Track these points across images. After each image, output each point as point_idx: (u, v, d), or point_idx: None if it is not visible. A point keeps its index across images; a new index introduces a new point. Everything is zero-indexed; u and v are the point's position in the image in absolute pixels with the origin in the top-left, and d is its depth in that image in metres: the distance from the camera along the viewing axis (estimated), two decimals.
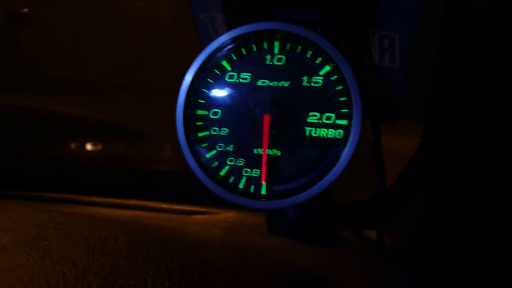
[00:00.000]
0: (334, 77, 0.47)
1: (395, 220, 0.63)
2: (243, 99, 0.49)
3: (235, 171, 0.48)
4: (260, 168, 0.47)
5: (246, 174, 0.48)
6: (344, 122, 0.46)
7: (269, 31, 0.48)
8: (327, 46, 0.46)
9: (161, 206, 0.69)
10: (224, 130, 0.49)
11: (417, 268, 0.56)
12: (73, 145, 0.99)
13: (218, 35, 0.50)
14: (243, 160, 0.48)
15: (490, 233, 0.52)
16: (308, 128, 0.47)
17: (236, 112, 0.49)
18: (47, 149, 0.96)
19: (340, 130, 0.46)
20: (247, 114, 0.48)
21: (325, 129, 0.46)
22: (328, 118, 0.46)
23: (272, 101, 0.47)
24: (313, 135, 0.47)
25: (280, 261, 0.43)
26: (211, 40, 0.49)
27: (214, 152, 0.49)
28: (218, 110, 0.49)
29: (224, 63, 0.49)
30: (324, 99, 0.47)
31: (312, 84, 0.47)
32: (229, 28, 0.51)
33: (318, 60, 0.47)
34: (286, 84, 0.47)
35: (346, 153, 0.45)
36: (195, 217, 0.64)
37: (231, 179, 0.48)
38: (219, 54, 0.49)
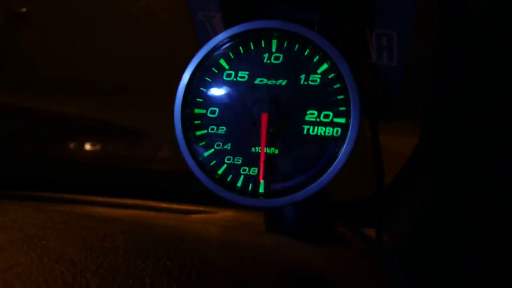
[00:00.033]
0: (332, 75, 0.47)
1: (393, 219, 0.64)
2: (240, 98, 0.49)
3: (233, 169, 0.48)
4: (258, 166, 0.47)
5: (244, 172, 0.48)
6: (341, 120, 0.46)
7: (266, 29, 0.48)
8: (325, 44, 0.46)
9: (159, 205, 0.69)
10: (222, 129, 0.49)
11: (415, 266, 0.56)
12: (72, 145, 0.99)
13: (215, 33, 0.50)
14: (241, 158, 0.48)
15: (487, 232, 0.52)
16: (306, 127, 0.47)
17: (234, 111, 0.49)
18: (46, 149, 0.96)
19: (338, 128, 0.46)
20: (245, 113, 0.48)
21: (322, 127, 0.46)
22: (326, 116, 0.46)
23: (269, 99, 0.47)
24: (311, 133, 0.47)
25: (278, 259, 0.43)
26: (208, 38, 0.49)
27: (212, 150, 0.49)
28: (216, 109, 0.49)
29: (222, 62, 0.49)
30: (321, 97, 0.47)
31: (310, 83, 0.47)
32: (227, 26, 0.51)
33: (316, 58, 0.47)
34: (283, 82, 0.48)
35: (344, 151, 0.45)
36: (193, 216, 0.64)
37: (229, 178, 0.48)
38: (216, 53, 0.49)
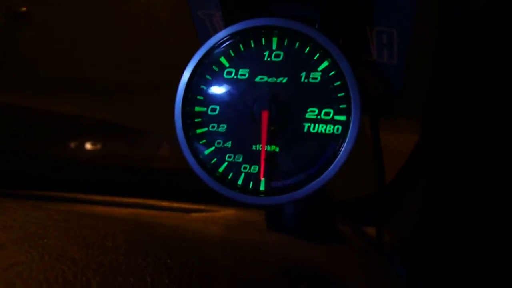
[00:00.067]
0: (332, 72, 0.47)
1: (393, 217, 0.63)
2: (241, 96, 0.49)
3: (234, 167, 0.48)
4: (258, 164, 0.47)
5: (244, 170, 0.48)
6: (342, 117, 0.46)
7: (267, 27, 0.48)
8: (325, 41, 0.46)
9: (160, 204, 0.69)
10: (223, 127, 0.49)
11: (415, 265, 0.56)
12: (72, 144, 0.99)
13: (216, 31, 0.50)
14: (242, 156, 0.48)
15: (489, 231, 0.52)
16: (306, 124, 0.47)
17: (235, 109, 0.49)
18: (46, 148, 0.96)
19: (339, 126, 0.46)
20: (246, 111, 0.48)
21: (323, 125, 0.46)
22: (327, 113, 0.46)
23: (270, 97, 0.47)
24: (312, 131, 0.47)
25: (279, 257, 0.43)
26: (209, 37, 0.49)
27: (212, 148, 0.49)
28: (217, 107, 0.49)
29: (222, 60, 0.49)
30: (322, 95, 0.47)
31: (311, 80, 0.47)
32: (227, 24, 0.51)
33: (316, 56, 0.47)
34: (284, 80, 0.47)
35: (345, 149, 0.45)
36: (194, 214, 0.64)
37: (230, 176, 0.48)
38: (217, 51, 0.49)
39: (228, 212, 0.65)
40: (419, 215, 0.60)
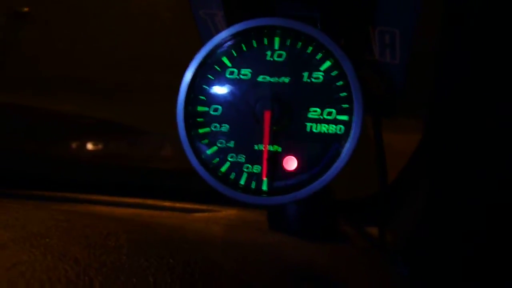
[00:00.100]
0: (335, 72, 0.46)
1: (396, 217, 0.63)
2: (243, 95, 0.48)
3: (236, 167, 0.48)
4: (261, 164, 0.47)
5: (247, 170, 0.48)
6: (345, 117, 0.46)
7: (269, 27, 0.48)
8: (328, 41, 0.46)
9: (162, 204, 0.69)
10: (225, 127, 0.49)
11: (418, 265, 0.56)
12: (73, 144, 0.99)
13: (218, 31, 0.50)
14: (244, 156, 0.48)
15: (491, 231, 0.52)
16: (309, 124, 0.47)
17: (237, 109, 0.49)
18: (47, 148, 0.96)
19: (341, 126, 0.46)
20: (248, 110, 0.48)
21: (326, 125, 0.46)
22: (329, 113, 0.46)
23: (272, 97, 0.47)
24: (314, 131, 0.47)
25: (282, 258, 0.43)
26: (211, 36, 0.49)
27: (215, 148, 0.49)
28: (219, 107, 0.49)
29: (225, 60, 0.49)
30: (324, 95, 0.47)
31: (313, 80, 0.47)
32: (229, 24, 0.51)
33: (319, 56, 0.47)
34: (286, 80, 0.47)
35: (347, 148, 0.45)
36: (196, 214, 0.64)
37: (232, 176, 0.48)
38: (219, 51, 0.49)
39: (230, 212, 0.65)
40: (421, 215, 0.60)
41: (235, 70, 0.49)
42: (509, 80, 0.48)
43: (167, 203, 0.69)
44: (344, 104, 0.46)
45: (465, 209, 0.53)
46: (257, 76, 0.48)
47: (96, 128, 1.03)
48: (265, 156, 0.47)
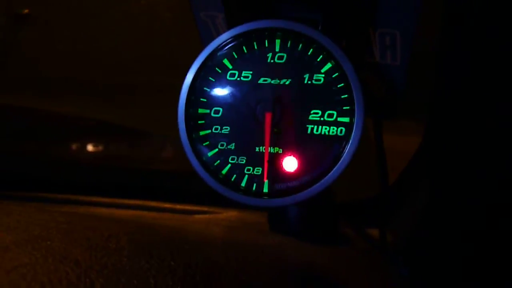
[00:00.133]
0: (336, 74, 0.46)
1: (396, 218, 0.63)
2: (244, 97, 0.48)
3: (237, 169, 0.48)
4: (262, 166, 0.47)
5: (248, 172, 0.48)
6: (346, 119, 0.46)
7: (270, 29, 0.48)
8: (329, 43, 0.46)
9: (163, 205, 0.69)
10: (226, 129, 0.49)
11: (418, 265, 0.56)
12: (74, 146, 0.99)
13: (219, 33, 0.50)
14: (245, 158, 0.48)
15: (491, 231, 0.52)
16: (310, 126, 0.47)
17: (238, 111, 0.49)
18: (47, 150, 0.96)
19: (342, 128, 0.46)
20: (249, 112, 0.48)
21: (326, 127, 0.46)
22: (330, 115, 0.46)
23: (273, 99, 0.47)
24: (315, 132, 0.47)
25: (282, 259, 0.43)
26: (212, 38, 0.49)
27: (216, 150, 0.49)
28: (220, 109, 0.49)
29: (226, 62, 0.49)
30: (325, 97, 0.47)
31: (314, 82, 0.47)
32: (230, 26, 0.51)
33: (320, 58, 0.47)
34: (287, 82, 0.47)
35: (348, 150, 0.45)
36: (197, 216, 0.64)
37: (233, 178, 0.48)
38: (220, 53, 0.49)
39: (231, 214, 0.65)
40: (422, 216, 0.60)
41: (236, 72, 0.49)
42: (509, 80, 0.48)
43: (168, 205, 0.69)
44: (345, 106, 0.46)
45: (465, 209, 0.53)
46: (258, 78, 0.48)
47: (97, 130, 1.03)
48: (266, 158, 0.47)
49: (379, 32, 0.52)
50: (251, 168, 0.48)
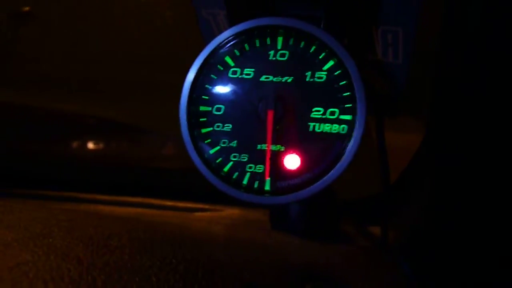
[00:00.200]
0: (338, 72, 0.46)
1: (398, 216, 0.63)
2: (246, 95, 0.48)
3: (239, 167, 0.48)
4: (264, 164, 0.47)
5: (250, 170, 0.48)
6: (348, 117, 0.46)
7: (272, 26, 0.48)
8: (331, 41, 0.46)
9: (164, 203, 0.69)
10: (228, 126, 0.49)
11: (420, 264, 0.56)
12: (75, 143, 0.99)
13: (220, 31, 0.50)
14: (247, 156, 0.48)
15: (494, 229, 0.52)
16: (312, 124, 0.47)
17: (240, 108, 0.49)
18: (48, 147, 0.96)
19: (344, 125, 0.46)
20: (251, 110, 0.48)
21: (329, 124, 0.46)
22: (332, 113, 0.46)
23: (275, 96, 0.47)
24: (317, 130, 0.47)
25: (284, 257, 0.43)
26: (213, 36, 0.49)
27: (217, 148, 0.49)
28: (222, 106, 0.49)
29: (227, 59, 0.49)
30: (327, 94, 0.46)
31: (316, 79, 0.47)
32: (232, 24, 0.51)
33: (322, 55, 0.47)
34: (289, 79, 0.47)
35: (350, 148, 0.45)
36: (198, 214, 0.64)
37: (235, 175, 0.48)
38: (222, 50, 0.49)
39: (232, 212, 0.65)
40: (424, 214, 0.60)
41: (238, 70, 0.49)
42: (509, 79, 0.48)
43: (169, 203, 0.69)
44: (347, 103, 0.46)
45: (468, 208, 0.53)
46: (260, 75, 0.48)
47: (98, 128, 1.03)
48: (268, 155, 0.47)
49: (381, 29, 0.52)
50: (253, 166, 0.48)
